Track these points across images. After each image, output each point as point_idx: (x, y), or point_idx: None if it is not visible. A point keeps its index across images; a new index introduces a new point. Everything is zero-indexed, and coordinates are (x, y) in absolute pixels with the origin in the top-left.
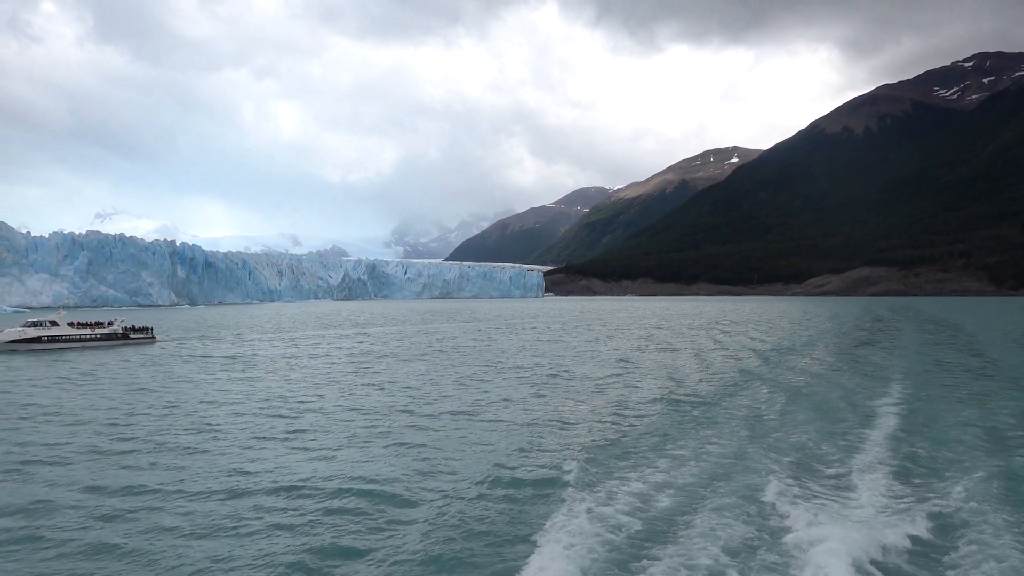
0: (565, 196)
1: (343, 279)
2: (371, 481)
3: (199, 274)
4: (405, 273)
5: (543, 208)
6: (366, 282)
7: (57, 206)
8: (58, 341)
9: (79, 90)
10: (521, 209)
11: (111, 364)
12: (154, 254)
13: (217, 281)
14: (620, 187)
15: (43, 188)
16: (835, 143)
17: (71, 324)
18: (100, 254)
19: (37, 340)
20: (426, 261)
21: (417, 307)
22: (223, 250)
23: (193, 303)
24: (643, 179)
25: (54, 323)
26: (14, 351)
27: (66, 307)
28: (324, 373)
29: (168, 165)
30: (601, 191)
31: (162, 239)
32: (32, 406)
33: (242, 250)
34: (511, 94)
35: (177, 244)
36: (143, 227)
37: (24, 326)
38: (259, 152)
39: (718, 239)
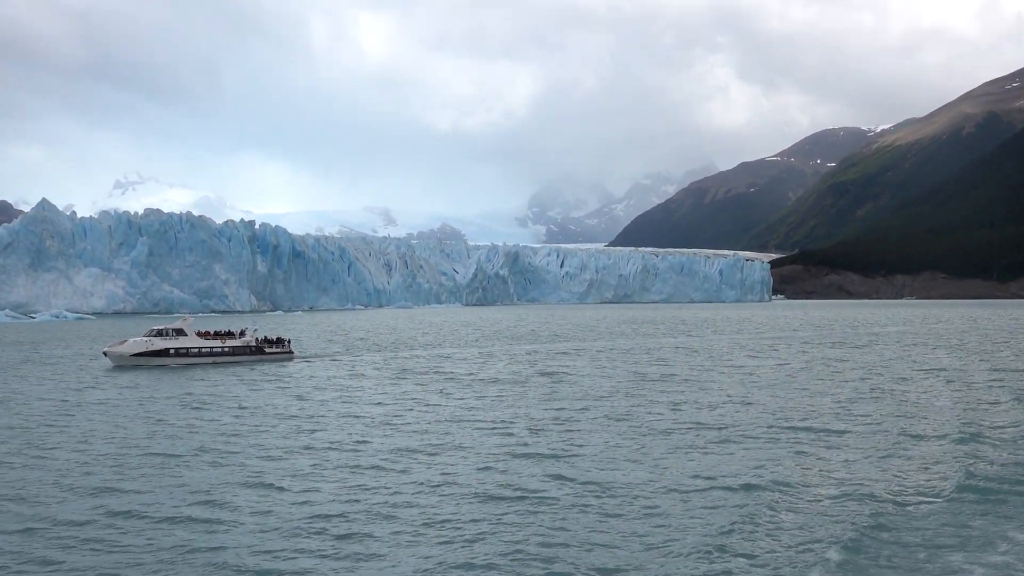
0: (796, 144)
1: (475, 275)
2: None
3: (284, 268)
4: (562, 266)
5: (761, 163)
6: (506, 279)
7: (65, 171)
8: (185, 355)
9: (95, 13)
10: (727, 165)
11: (260, 389)
12: (229, 240)
13: (307, 279)
14: (886, 128)
15: (47, 147)
16: None
17: (199, 333)
18: (163, 241)
19: (164, 353)
20: (582, 247)
21: (606, 317)
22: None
23: (276, 307)
24: (923, 114)
25: (180, 332)
26: (139, 366)
27: (120, 313)
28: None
29: (211, 113)
30: (854, 135)
31: (230, 221)
32: (202, 459)
33: (314, 232)
34: None
35: (256, 226)
36: (177, 199)
37: (149, 335)
38: (334, 91)
39: None
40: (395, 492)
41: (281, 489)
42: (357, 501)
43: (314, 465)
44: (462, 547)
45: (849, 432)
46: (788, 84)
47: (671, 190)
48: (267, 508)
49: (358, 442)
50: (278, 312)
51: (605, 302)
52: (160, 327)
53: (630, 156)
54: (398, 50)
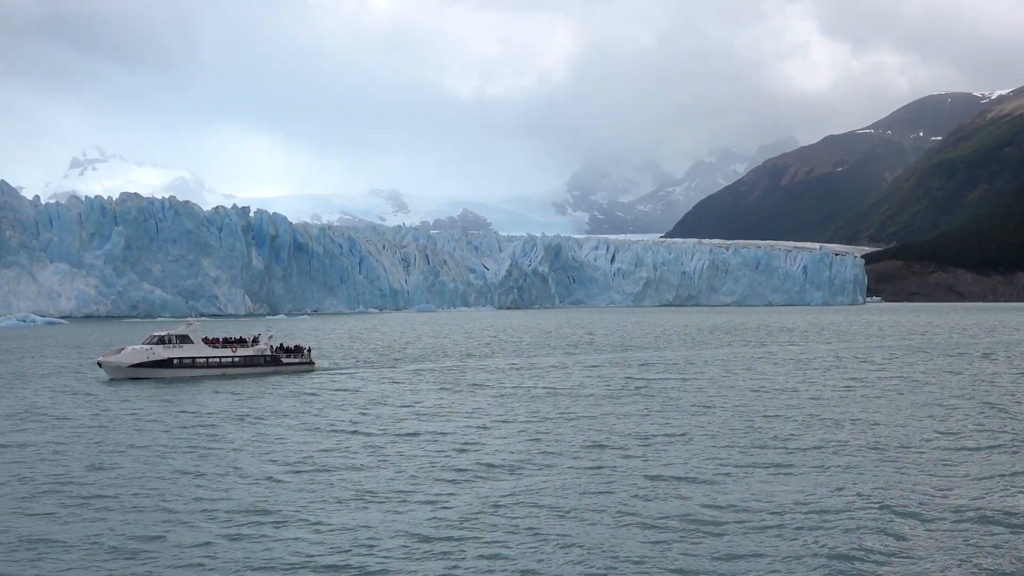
0: (894, 113)
1: (509, 272)
2: None
3: (284, 263)
4: (612, 261)
5: (850, 137)
6: (546, 276)
7: (12, 147)
8: (191, 365)
9: None
10: (808, 139)
11: (284, 417)
12: (220, 230)
13: (311, 276)
14: (1003, 94)
15: None
16: None
17: (206, 341)
18: (142, 231)
19: (167, 363)
20: (634, 238)
21: (674, 321)
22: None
23: (275, 310)
24: None
25: (185, 339)
26: (139, 378)
27: (92, 317)
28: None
29: (185, 78)
30: (964, 102)
31: (220, 207)
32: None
33: (308, 221)
34: None
35: (251, 213)
36: (146, 181)
37: (149, 343)
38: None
39: None
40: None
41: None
42: None
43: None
44: None
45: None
46: (883, 41)
47: (741, 169)
48: None
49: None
50: (280, 316)
51: (665, 305)
52: (162, 333)
53: (691, 128)
54: (410, 2)
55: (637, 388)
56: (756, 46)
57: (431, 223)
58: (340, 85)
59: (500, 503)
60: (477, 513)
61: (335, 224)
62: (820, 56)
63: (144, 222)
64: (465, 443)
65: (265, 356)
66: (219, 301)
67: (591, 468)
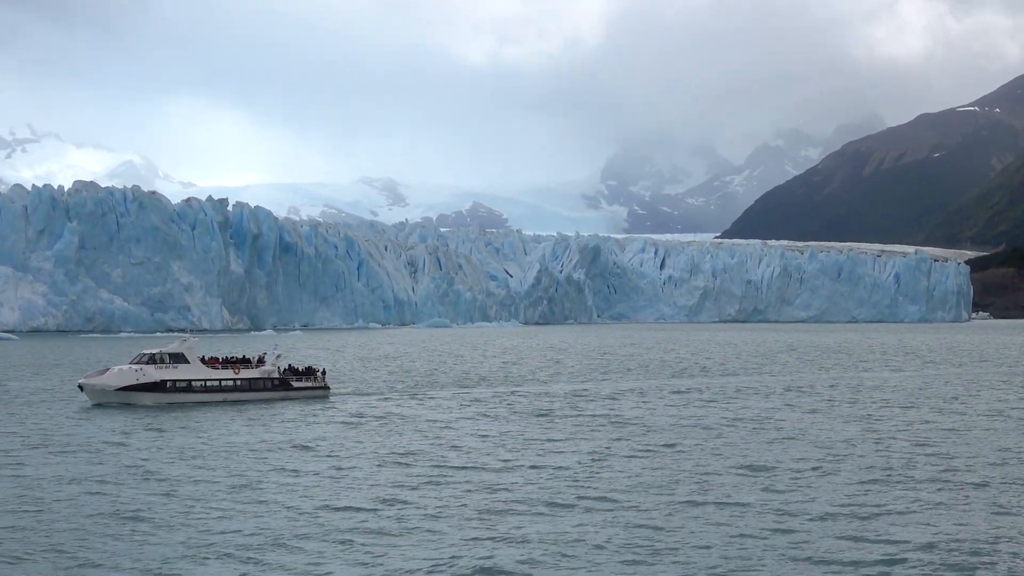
0: (1003, 88)
1: (537, 279)
2: None
3: (268, 267)
4: (662, 267)
5: (950, 115)
6: (582, 285)
7: None
8: (188, 389)
9: None
10: (898, 119)
11: (317, 452)
12: (193, 227)
13: (300, 283)
14: None
15: None
16: None
17: (204, 360)
18: (100, 228)
19: (160, 387)
20: (684, 239)
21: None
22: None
23: (257, 324)
24: None
25: (180, 358)
26: (127, 404)
27: (40, 331)
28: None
29: (135, 42)
30: None
31: (192, 199)
32: None
33: (286, 216)
34: None
35: (229, 207)
36: (86, 165)
37: (138, 362)
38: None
39: None
40: None
41: None
42: None
43: None
44: None
45: None
46: None
47: (814, 155)
48: None
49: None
50: (268, 331)
51: (726, 321)
52: (152, 351)
53: (752, 105)
54: None
55: (745, 420)
56: (833, 4)
57: (434, 219)
58: (323, 51)
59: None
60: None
61: (317, 220)
62: (912, 17)
63: (102, 217)
64: (587, 476)
65: (273, 379)
66: (191, 313)
67: (727, 503)
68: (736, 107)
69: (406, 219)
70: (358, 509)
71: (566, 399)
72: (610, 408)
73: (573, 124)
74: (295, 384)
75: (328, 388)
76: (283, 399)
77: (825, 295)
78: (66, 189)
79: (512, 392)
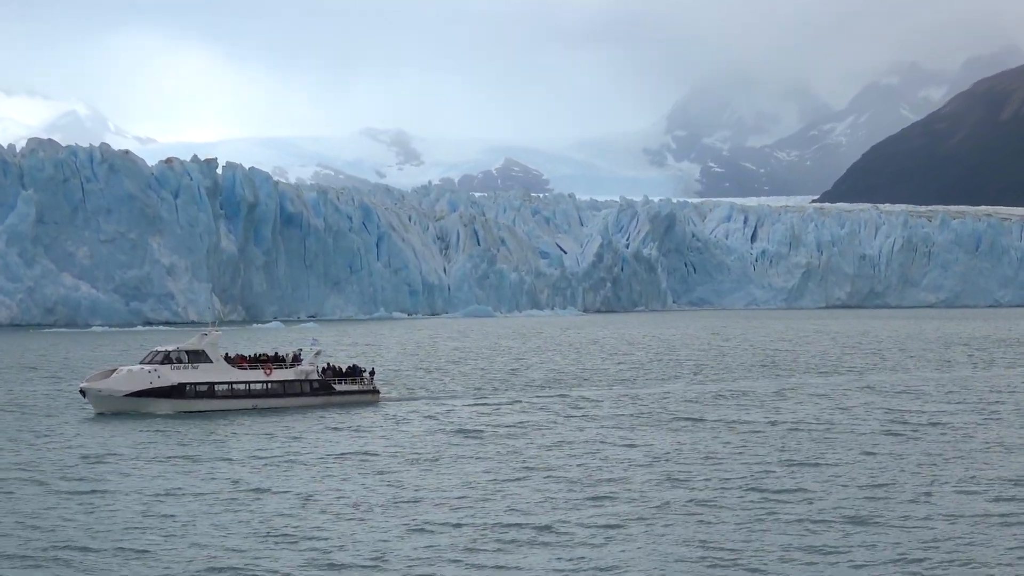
0: None
1: (599, 255)
2: None
3: (266, 245)
4: (753, 239)
5: None
6: (654, 263)
7: None
8: (210, 394)
9: None
10: None
11: (388, 478)
12: (176, 194)
13: (306, 264)
14: None
15: None
16: None
17: (228, 359)
18: (62, 197)
19: (179, 391)
20: (773, 202)
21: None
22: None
23: (253, 316)
24: None
25: (200, 356)
26: (139, 412)
27: None
28: None
29: None
30: None
31: (172, 158)
32: None
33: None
34: None
35: (219, 169)
36: (20, 118)
37: (151, 361)
38: None
39: None
40: None
41: None
42: None
43: None
44: None
45: None
46: None
47: (937, 96)
48: None
49: None
50: (272, 323)
51: (835, 307)
52: (167, 348)
53: (859, 36)
54: None
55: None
56: None
57: (456, 181)
58: None
59: None
60: None
61: (307, 182)
62: None
63: (64, 183)
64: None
65: (311, 381)
66: (175, 302)
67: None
68: (837, 38)
69: (429, 181)
70: None
71: (708, 403)
72: (774, 412)
73: (631, 61)
74: (338, 387)
75: (378, 392)
76: (324, 405)
77: (959, 273)
78: (18, 149)
79: (630, 395)
